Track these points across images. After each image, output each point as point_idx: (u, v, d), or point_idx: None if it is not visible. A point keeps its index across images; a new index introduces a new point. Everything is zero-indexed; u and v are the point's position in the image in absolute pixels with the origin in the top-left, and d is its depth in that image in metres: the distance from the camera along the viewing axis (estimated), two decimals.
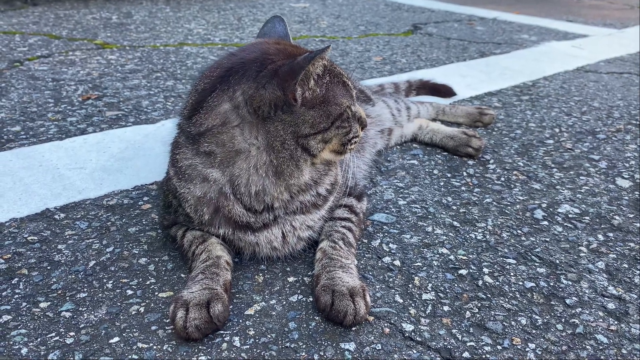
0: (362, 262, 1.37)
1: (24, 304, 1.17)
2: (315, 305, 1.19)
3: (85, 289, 1.23)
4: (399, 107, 2.14)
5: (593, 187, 1.81)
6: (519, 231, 1.53)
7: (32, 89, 2.49)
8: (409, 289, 1.27)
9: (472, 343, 1.11)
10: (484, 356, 1.08)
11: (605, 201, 1.72)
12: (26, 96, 2.40)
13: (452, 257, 1.40)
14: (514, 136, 2.24)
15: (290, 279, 1.29)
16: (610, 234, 1.53)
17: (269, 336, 1.11)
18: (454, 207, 1.65)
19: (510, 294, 1.27)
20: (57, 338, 1.08)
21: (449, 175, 1.87)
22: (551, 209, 1.66)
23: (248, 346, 1.08)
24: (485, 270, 1.35)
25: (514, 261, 1.39)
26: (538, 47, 3.97)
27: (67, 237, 1.42)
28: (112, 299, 1.20)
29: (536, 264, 1.38)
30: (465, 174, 1.89)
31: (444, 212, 1.62)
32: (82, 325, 1.12)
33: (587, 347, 1.11)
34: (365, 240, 1.46)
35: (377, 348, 1.09)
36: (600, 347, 1.11)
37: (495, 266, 1.37)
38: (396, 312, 1.19)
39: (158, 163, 1.74)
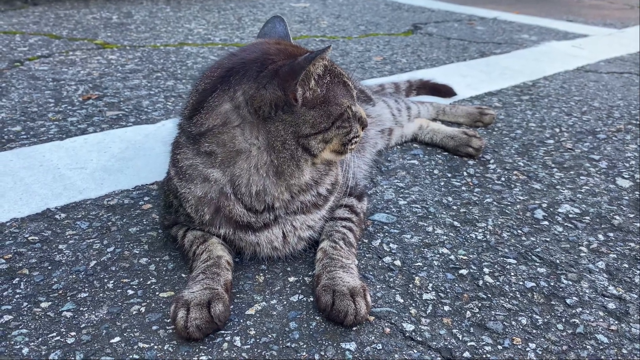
0: (362, 262, 1.37)
1: (25, 303, 1.17)
2: (316, 305, 1.19)
3: (86, 289, 1.23)
4: (399, 107, 2.14)
5: (593, 187, 1.81)
6: (519, 231, 1.54)
7: (32, 89, 2.49)
8: (410, 288, 1.27)
9: (472, 343, 1.11)
10: (484, 356, 1.08)
11: (606, 201, 1.72)
12: (27, 96, 2.40)
13: (452, 257, 1.40)
14: (514, 136, 2.24)
15: (291, 279, 1.30)
16: (611, 234, 1.53)
17: (270, 336, 1.11)
18: (455, 207, 1.65)
19: (511, 294, 1.27)
20: (58, 338, 1.08)
21: (449, 175, 1.87)
22: (551, 209, 1.66)
23: (249, 346, 1.08)
24: (486, 270, 1.35)
25: (515, 261, 1.40)
26: (538, 47, 3.98)
27: (68, 237, 1.42)
28: (113, 299, 1.20)
29: (536, 264, 1.39)
30: (465, 173, 1.89)
31: (444, 212, 1.62)
32: (83, 325, 1.12)
33: (588, 346, 1.12)
34: (366, 240, 1.46)
35: (378, 348, 1.09)
36: (601, 347, 1.12)
37: (496, 266, 1.37)
38: (397, 312, 1.19)
39: (158, 163, 1.74)
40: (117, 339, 1.08)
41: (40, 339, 1.07)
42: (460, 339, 1.12)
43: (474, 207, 1.66)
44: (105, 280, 1.26)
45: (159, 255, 1.36)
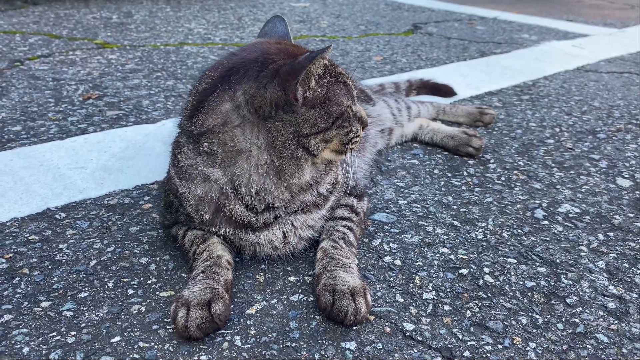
0: (362, 261, 1.37)
1: (25, 303, 1.17)
2: (316, 304, 1.19)
3: (86, 289, 1.23)
4: (399, 106, 2.14)
5: (593, 187, 1.81)
6: (519, 231, 1.54)
7: (32, 89, 2.49)
8: (410, 288, 1.27)
9: (472, 342, 1.11)
10: (484, 355, 1.08)
11: (606, 201, 1.72)
12: (27, 96, 2.40)
13: (452, 256, 1.40)
14: (515, 136, 2.24)
15: (291, 279, 1.30)
16: (611, 234, 1.54)
17: (270, 335, 1.11)
18: (455, 207, 1.66)
19: (511, 293, 1.27)
20: (58, 337, 1.08)
21: (449, 174, 1.87)
22: (552, 209, 1.66)
23: (249, 345, 1.08)
24: (486, 269, 1.35)
25: (515, 260, 1.40)
26: (538, 46, 3.98)
27: (68, 236, 1.42)
28: (113, 299, 1.20)
29: (537, 264, 1.39)
30: (465, 173, 1.89)
31: (444, 212, 1.62)
32: (84, 324, 1.12)
33: (588, 346, 1.12)
34: (366, 240, 1.46)
35: (378, 347, 1.09)
36: (601, 347, 1.12)
37: (496, 265, 1.37)
38: (397, 311, 1.19)
39: (159, 163, 1.75)
40: (117, 338, 1.08)
41: (40, 339, 1.08)
42: (461, 338, 1.12)
43: (474, 206, 1.66)
44: (106, 280, 1.26)
45: (159, 255, 1.36)
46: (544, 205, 1.68)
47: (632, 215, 1.64)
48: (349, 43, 3.84)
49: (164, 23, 4.17)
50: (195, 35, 3.83)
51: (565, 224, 1.58)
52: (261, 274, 1.31)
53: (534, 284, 1.31)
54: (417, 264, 1.37)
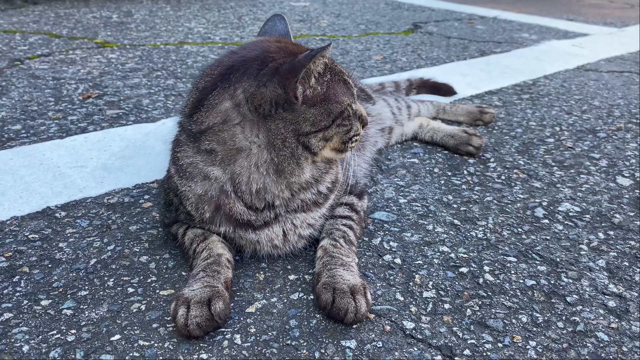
0: (362, 260, 1.37)
1: (25, 301, 1.17)
2: (316, 303, 1.19)
3: (86, 287, 1.23)
4: (399, 105, 2.14)
5: (593, 186, 1.81)
6: (519, 229, 1.54)
7: (32, 88, 2.49)
8: (410, 286, 1.27)
9: (472, 341, 1.11)
10: (484, 354, 1.08)
11: (606, 199, 1.72)
12: (27, 95, 2.40)
13: (452, 255, 1.40)
14: (515, 135, 2.24)
15: (291, 277, 1.30)
16: (611, 232, 1.53)
17: (270, 334, 1.11)
18: (455, 206, 1.65)
19: (511, 292, 1.27)
20: (58, 336, 1.08)
21: (449, 173, 1.87)
22: (552, 207, 1.66)
23: (249, 344, 1.08)
24: (486, 268, 1.35)
25: (515, 259, 1.40)
26: (538, 46, 3.97)
27: (68, 235, 1.42)
28: (113, 297, 1.20)
29: (537, 262, 1.39)
30: (465, 172, 1.89)
31: (444, 211, 1.62)
32: (83, 323, 1.12)
33: (588, 344, 1.12)
34: (366, 239, 1.46)
35: (378, 346, 1.09)
36: (601, 345, 1.12)
37: (496, 264, 1.37)
38: (397, 309, 1.19)
39: (159, 161, 1.75)
40: (117, 336, 1.08)
41: (40, 337, 1.07)
42: (461, 336, 1.12)
43: (474, 205, 1.66)
44: (106, 279, 1.26)
45: (159, 254, 1.36)
46: (544, 204, 1.68)
47: (632, 214, 1.64)
48: (349, 42, 3.84)
49: (164, 22, 4.17)
50: (195, 34, 3.82)
51: (566, 222, 1.58)
52: (261, 272, 1.31)
53: (534, 282, 1.31)
54: (417, 262, 1.37)
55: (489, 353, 1.08)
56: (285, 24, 1.43)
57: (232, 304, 1.18)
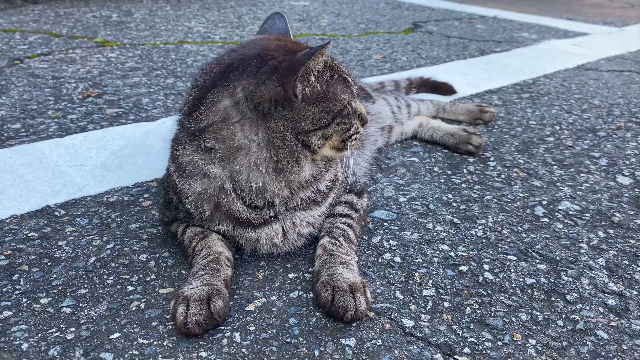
0: (362, 258, 1.37)
1: (25, 300, 1.17)
2: (315, 301, 1.19)
3: (85, 285, 1.23)
4: (399, 104, 2.14)
5: (593, 185, 1.81)
6: (519, 228, 1.53)
7: (32, 87, 2.49)
8: (410, 285, 1.27)
9: (472, 339, 1.11)
10: (484, 352, 1.08)
11: (606, 198, 1.72)
12: (26, 94, 2.40)
13: (452, 253, 1.40)
14: (515, 134, 2.24)
15: (291, 275, 1.29)
16: (611, 231, 1.53)
17: (270, 332, 1.11)
18: (455, 204, 1.65)
19: (511, 290, 1.27)
20: (57, 334, 1.08)
21: (449, 172, 1.87)
22: (551, 206, 1.66)
23: (248, 342, 1.08)
24: (486, 266, 1.35)
25: (515, 258, 1.39)
26: (538, 45, 3.97)
27: (68, 233, 1.42)
28: (113, 295, 1.20)
29: (537, 261, 1.38)
30: (465, 171, 1.89)
31: (444, 209, 1.62)
32: (83, 321, 1.12)
33: (588, 342, 1.11)
34: (366, 237, 1.46)
35: (378, 344, 1.09)
36: (601, 343, 1.11)
37: (496, 262, 1.37)
38: (397, 308, 1.19)
39: (158, 160, 1.74)
40: (116, 334, 1.08)
41: (39, 335, 1.07)
42: (460, 335, 1.12)
43: (474, 204, 1.66)
44: (105, 277, 1.26)
45: (159, 252, 1.36)
46: (544, 202, 1.68)
47: (632, 212, 1.64)
48: (349, 41, 3.84)
49: (163, 22, 4.17)
50: (195, 33, 3.82)
51: (565, 221, 1.58)
52: (261, 270, 1.31)
53: (533, 280, 1.30)
54: (416, 261, 1.36)
55: (488, 351, 1.08)
56: (285, 22, 1.43)
57: (231, 302, 1.18)
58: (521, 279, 1.31)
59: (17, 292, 1.20)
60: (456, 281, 1.29)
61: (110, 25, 3.93)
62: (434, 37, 4.11)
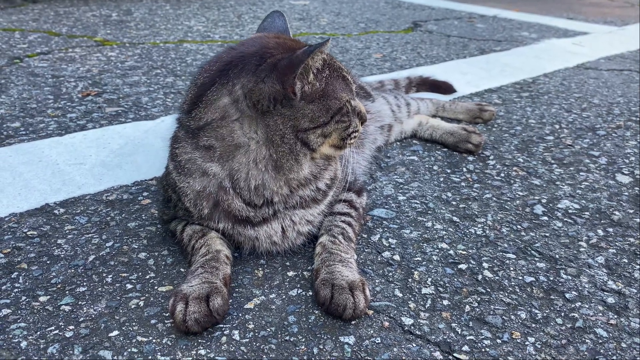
0: (361, 256, 1.37)
1: (24, 297, 1.17)
2: (314, 299, 1.18)
3: (84, 283, 1.23)
4: (398, 103, 2.13)
5: (593, 183, 1.81)
6: (518, 226, 1.53)
7: (31, 86, 2.49)
8: (409, 283, 1.27)
9: (471, 337, 1.11)
10: (483, 350, 1.08)
11: (605, 197, 1.72)
12: (26, 92, 2.40)
13: (451, 251, 1.40)
14: (514, 132, 2.24)
15: (290, 274, 1.29)
16: (610, 229, 1.53)
17: (269, 330, 1.11)
18: (454, 203, 1.65)
19: (510, 289, 1.27)
20: (56, 331, 1.08)
21: (448, 171, 1.87)
22: (551, 205, 1.66)
23: (247, 340, 1.08)
24: (485, 265, 1.35)
25: (514, 256, 1.39)
26: (538, 44, 3.97)
27: (67, 231, 1.42)
28: (112, 293, 1.20)
29: (536, 259, 1.38)
30: (465, 169, 1.88)
31: (443, 208, 1.62)
32: (82, 318, 1.12)
33: (587, 340, 1.11)
34: (365, 235, 1.46)
35: (377, 341, 1.09)
36: (600, 341, 1.11)
37: (495, 261, 1.37)
38: (395, 306, 1.19)
39: (158, 159, 1.74)
40: (115, 332, 1.08)
41: (38, 333, 1.07)
42: (459, 333, 1.12)
43: (473, 202, 1.66)
44: (104, 275, 1.26)
45: (158, 250, 1.36)
46: (544, 201, 1.68)
47: (631, 211, 1.64)
48: (349, 40, 3.84)
49: (163, 21, 4.17)
50: (194, 32, 3.82)
51: (565, 219, 1.58)
52: (260, 269, 1.31)
53: (533, 279, 1.30)
54: (416, 259, 1.36)
55: (487, 349, 1.08)
56: (284, 21, 1.43)
57: (230, 300, 1.18)
58: (520, 277, 1.31)
59: (16, 290, 1.20)
60: (455, 279, 1.29)
61: (109, 24, 3.93)
62: (433, 36, 4.11)
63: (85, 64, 2.89)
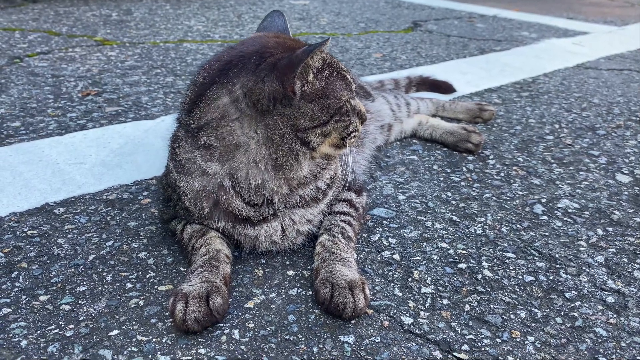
0: (361, 256, 1.37)
1: (24, 297, 1.17)
2: (314, 298, 1.19)
3: (84, 283, 1.23)
4: (398, 102, 2.14)
5: (593, 183, 1.81)
6: (518, 226, 1.53)
7: (31, 85, 2.49)
8: (408, 282, 1.27)
9: (471, 336, 1.11)
10: (483, 349, 1.08)
11: (605, 196, 1.72)
12: (26, 92, 2.40)
13: (451, 251, 1.40)
14: (514, 132, 2.24)
15: (290, 273, 1.30)
16: (610, 229, 1.53)
17: (269, 329, 1.11)
18: (454, 202, 1.65)
19: (510, 288, 1.27)
20: (56, 331, 1.08)
21: (448, 170, 1.87)
22: (551, 204, 1.66)
23: (247, 339, 1.08)
24: (485, 264, 1.35)
25: (514, 255, 1.39)
26: (538, 44, 3.97)
27: (67, 231, 1.42)
28: (112, 292, 1.20)
29: (535, 258, 1.38)
30: (464, 169, 1.89)
31: (443, 207, 1.62)
32: (82, 318, 1.12)
33: (586, 340, 1.12)
34: (365, 235, 1.46)
35: (376, 341, 1.09)
36: (600, 340, 1.11)
37: (495, 260, 1.37)
38: (395, 305, 1.19)
39: (158, 158, 1.74)
40: (115, 331, 1.08)
41: (38, 332, 1.07)
42: (459, 332, 1.12)
43: (473, 202, 1.66)
44: (104, 274, 1.26)
45: (158, 249, 1.36)
46: (543, 200, 1.68)
47: (631, 210, 1.64)
48: (349, 40, 3.84)
49: (163, 20, 4.17)
50: (194, 32, 3.82)
51: (565, 219, 1.58)
52: (260, 268, 1.31)
53: (532, 278, 1.31)
54: (415, 258, 1.37)
55: (487, 348, 1.08)
56: (284, 20, 1.43)
57: (230, 300, 1.18)
58: (520, 277, 1.31)
59: (16, 289, 1.20)
60: (455, 279, 1.29)
61: (110, 24, 3.93)
62: (433, 36, 4.11)
63: (85, 63, 2.89)
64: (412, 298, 1.22)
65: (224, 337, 1.08)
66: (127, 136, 2.00)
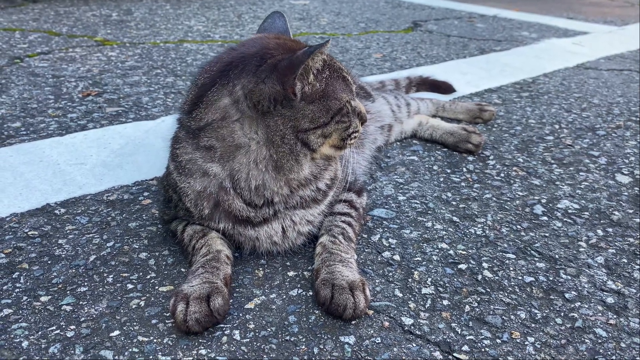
0: (361, 256, 1.37)
1: (25, 297, 1.18)
2: (315, 299, 1.19)
3: (85, 283, 1.23)
4: (399, 103, 2.14)
5: (593, 183, 1.81)
6: (518, 226, 1.54)
7: (32, 86, 2.49)
8: (409, 283, 1.28)
9: (471, 337, 1.12)
10: (483, 350, 1.08)
11: (605, 197, 1.72)
12: (26, 92, 2.40)
13: (451, 251, 1.40)
14: (514, 132, 2.24)
15: (290, 274, 1.30)
16: (610, 229, 1.54)
17: (269, 330, 1.11)
18: (454, 203, 1.66)
19: (510, 289, 1.27)
20: (57, 331, 1.08)
21: (448, 171, 1.88)
22: (551, 205, 1.66)
23: (248, 339, 1.08)
24: (485, 265, 1.36)
25: (514, 256, 1.40)
26: (538, 44, 3.97)
27: (68, 231, 1.43)
28: (113, 293, 1.20)
29: (535, 259, 1.39)
30: (465, 169, 1.89)
31: (443, 208, 1.62)
32: (83, 318, 1.12)
33: (586, 340, 1.12)
34: (365, 235, 1.46)
35: (377, 341, 1.09)
36: (599, 341, 1.12)
37: (495, 261, 1.37)
38: (396, 306, 1.19)
39: (158, 159, 1.74)
40: (116, 332, 1.09)
41: (40, 333, 1.08)
42: (459, 332, 1.13)
43: (473, 202, 1.66)
44: (105, 275, 1.26)
45: (159, 250, 1.36)
46: (543, 201, 1.68)
47: (631, 211, 1.64)
48: (349, 40, 3.84)
49: (163, 20, 4.17)
50: (194, 32, 3.82)
51: (565, 219, 1.58)
52: (260, 269, 1.31)
53: (532, 279, 1.31)
54: (416, 259, 1.37)
55: (487, 349, 1.08)
56: (285, 21, 1.43)
57: (231, 300, 1.19)
58: (520, 277, 1.31)
59: (18, 290, 1.20)
60: (455, 279, 1.30)
61: (110, 24, 3.94)
62: (433, 36, 4.11)
63: (86, 63, 2.90)
64: (412, 299, 1.22)
65: (224, 338, 1.08)
66: (128, 137, 2.01)
